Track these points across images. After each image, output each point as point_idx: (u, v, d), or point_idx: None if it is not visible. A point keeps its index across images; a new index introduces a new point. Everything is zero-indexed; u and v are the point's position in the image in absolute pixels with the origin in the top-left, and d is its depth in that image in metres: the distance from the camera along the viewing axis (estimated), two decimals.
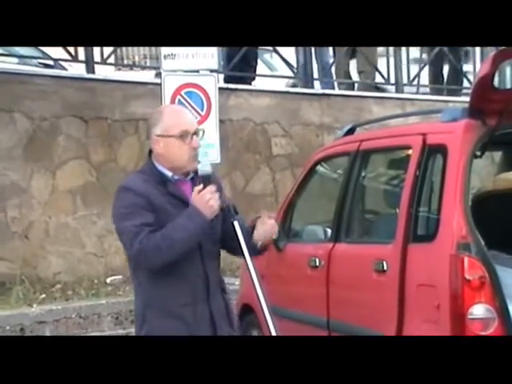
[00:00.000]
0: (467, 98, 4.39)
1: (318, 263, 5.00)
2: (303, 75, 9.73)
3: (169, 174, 3.53)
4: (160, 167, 3.53)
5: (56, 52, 9.20)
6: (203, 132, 3.61)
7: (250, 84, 9.56)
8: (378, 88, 10.53)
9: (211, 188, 3.45)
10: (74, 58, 8.65)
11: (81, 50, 8.59)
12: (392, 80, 10.45)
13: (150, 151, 3.59)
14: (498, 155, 5.72)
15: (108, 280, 7.90)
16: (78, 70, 8.98)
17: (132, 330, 6.73)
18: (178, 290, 3.47)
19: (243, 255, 3.53)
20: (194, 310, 3.48)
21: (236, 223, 3.54)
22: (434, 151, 4.33)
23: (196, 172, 3.55)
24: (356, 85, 10.52)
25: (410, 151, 4.48)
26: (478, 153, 4.22)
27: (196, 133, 3.54)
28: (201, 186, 3.46)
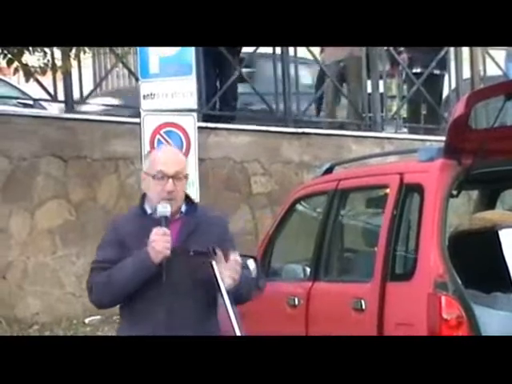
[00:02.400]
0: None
1: (296, 302, 5.01)
2: (283, 114, 9.80)
3: (148, 210, 3.61)
4: (145, 203, 3.64)
5: (35, 92, 9.23)
6: (186, 176, 3.65)
7: (229, 123, 9.60)
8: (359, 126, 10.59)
9: (158, 230, 3.48)
10: (54, 98, 8.67)
11: (60, 90, 8.61)
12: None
13: None
14: (475, 194, 5.78)
15: (86, 320, 7.84)
16: (57, 109, 9.00)
17: None
18: (138, 327, 3.52)
19: (221, 294, 3.53)
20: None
21: (214, 263, 3.55)
22: (410, 190, 4.37)
23: (186, 212, 3.61)
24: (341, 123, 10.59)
25: (388, 190, 4.53)
26: (454, 192, 4.26)
27: (174, 176, 3.56)
28: (159, 228, 3.50)
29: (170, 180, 3.56)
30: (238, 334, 3.47)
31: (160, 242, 3.46)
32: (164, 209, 3.53)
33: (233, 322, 3.49)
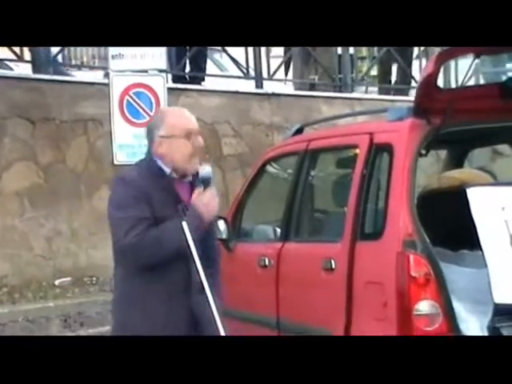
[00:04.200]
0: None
1: (267, 263, 5.02)
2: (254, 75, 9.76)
3: (167, 170, 3.54)
4: (160, 163, 3.54)
5: (1, 52, 9.09)
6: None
7: (199, 84, 9.54)
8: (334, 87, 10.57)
9: (211, 191, 3.49)
10: (20, 58, 8.55)
11: (27, 50, 8.49)
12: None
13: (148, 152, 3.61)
14: (443, 153, 5.80)
15: (56, 282, 7.82)
16: (24, 69, 8.88)
17: (81, 333, 6.69)
18: (154, 287, 3.46)
19: (191, 255, 3.52)
20: (170, 308, 3.46)
21: (184, 223, 3.53)
22: (380, 150, 4.37)
23: (195, 175, 3.56)
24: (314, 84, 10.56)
25: (357, 150, 4.53)
26: (423, 151, 4.28)
27: (198, 133, 3.58)
28: (201, 188, 3.49)
29: (199, 136, 3.57)
30: (208, 292, 3.45)
31: (214, 202, 3.46)
32: (205, 170, 3.52)
33: (204, 286, 3.47)
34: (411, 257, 3.98)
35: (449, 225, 4.39)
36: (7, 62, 9.19)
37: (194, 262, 3.47)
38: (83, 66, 12.63)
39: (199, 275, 3.46)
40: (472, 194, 4.03)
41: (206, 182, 3.51)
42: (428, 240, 4.03)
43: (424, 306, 3.96)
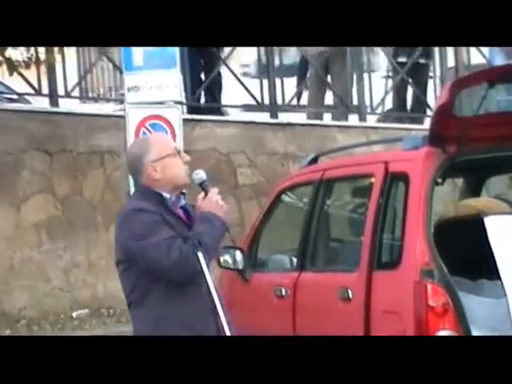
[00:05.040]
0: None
1: (284, 292, 5.01)
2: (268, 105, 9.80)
3: (166, 195, 3.58)
4: (156, 190, 3.57)
5: (20, 86, 9.17)
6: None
7: (214, 115, 9.59)
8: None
9: (215, 190, 3.56)
10: (38, 92, 8.63)
11: (44, 84, 8.57)
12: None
13: (135, 181, 3.70)
14: (460, 181, 5.79)
15: (74, 314, 7.83)
16: (42, 103, 8.96)
17: None
18: (190, 305, 3.50)
19: (208, 286, 3.54)
20: (207, 322, 3.51)
21: (200, 254, 3.55)
22: (396, 179, 4.38)
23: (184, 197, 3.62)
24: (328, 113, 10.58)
25: (373, 179, 4.53)
26: (439, 180, 4.27)
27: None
28: (202, 193, 3.55)
29: (182, 151, 3.64)
30: (224, 322, 3.47)
31: (220, 201, 3.53)
32: (199, 175, 3.59)
33: (220, 316, 3.49)
34: (429, 286, 3.96)
35: (466, 254, 4.38)
36: (25, 96, 9.27)
37: (209, 289, 3.50)
38: (100, 98, 12.72)
39: (214, 301, 3.48)
40: (490, 222, 4.02)
41: (203, 185, 3.57)
42: (445, 269, 4.01)
43: None
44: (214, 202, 3.52)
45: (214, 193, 3.55)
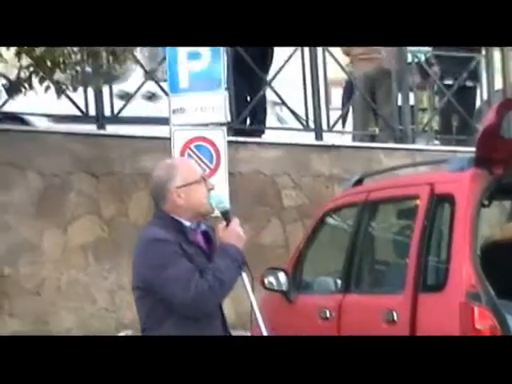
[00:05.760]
0: None
1: (328, 314, 4.99)
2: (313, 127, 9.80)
3: (187, 223, 3.55)
4: (176, 217, 3.54)
5: (67, 109, 9.30)
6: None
7: (259, 137, 9.62)
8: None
9: (236, 220, 3.53)
10: (85, 115, 8.74)
11: (92, 106, 8.68)
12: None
13: (156, 205, 3.59)
14: (508, 204, 5.72)
15: (119, 335, 7.87)
16: (88, 126, 9.08)
17: None
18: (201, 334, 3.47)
19: (252, 307, 3.54)
20: None
21: (244, 274, 3.55)
22: (441, 201, 4.35)
23: (205, 223, 3.61)
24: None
25: (418, 201, 4.50)
26: (486, 202, 4.23)
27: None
28: (224, 223, 3.52)
29: (207, 179, 3.63)
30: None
31: (241, 233, 3.52)
32: (222, 204, 3.56)
33: (263, 333, 3.49)
34: (476, 309, 3.92)
35: None
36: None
37: (254, 311, 3.50)
38: (147, 121, 12.84)
39: (260, 325, 3.48)
40: None
41: (225, 214, 3.53)
42: (492, 292, 3.96)
43: None
44: (235, 233, 3.50)
45: (235, 223, 3.52)
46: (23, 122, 9.07)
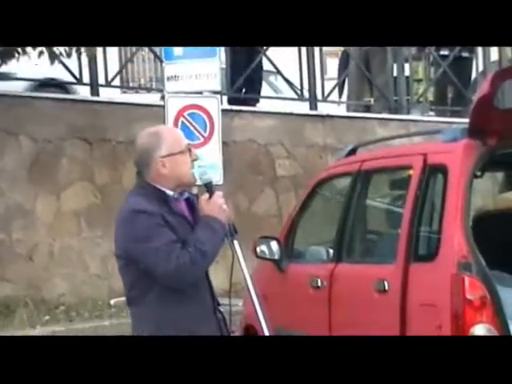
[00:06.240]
0: None
1: (319, 283, 5.00)
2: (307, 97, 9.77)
3: (170, 192, 3.52)
4: (159, 187, 3.51)
5: (61, 74, 9.25)
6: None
7: (254, 106, 9.59)
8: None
9: (219, 193, 3.52)
10: (79, 81, 8.70)
11: (85, 73, 8.64)
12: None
13: (139, 174, 3.54)
14: (500, 175, 5.73)
15: (112, 302, 7.89)
16: (83, 92, 9.04)
17: None
18: (190, 308, 3.47)
19: (244, 276, 3.54)
20: (209, 323, 3.51)
21: (236, 242, 3.55)
22: (434, 171, 4.34)
23: (188, 191, 3.60)
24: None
25: (411, 171, 4.49)
26: (478, 173, 4.22)
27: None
28: (206, 194, 3.51)
29: (192, 149, 3.58)
30: (261, 316, 3.49)
31: (224, 206, 3.49)
32: (206, 175, 3.55)
33: (255, 304, 3.50)
34: (466, 279, 3.92)
35: (505, 247, 4.33)
36: (66, 85, 9.36)
37: (245, 279, 3.51)
38: (140, 88, 12.79)
39: (250, 294, 3.49)
40: None
41: (209, 186, 3.52)
42: (483, 262, 3.97)
43: (480, 330, 3.90)
44: (217, 205, 3.48)
45: (218, 196, 3.50)
46: (66, 90, 9.05)
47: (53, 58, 7.49)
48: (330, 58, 12.20)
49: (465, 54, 10.65)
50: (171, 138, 3.55)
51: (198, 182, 3.58)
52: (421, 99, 10.90)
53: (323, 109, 9.89)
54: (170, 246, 3.38)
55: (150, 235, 3.39)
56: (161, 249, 3.37)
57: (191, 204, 3.60)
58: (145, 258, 3.40)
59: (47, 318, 7.37)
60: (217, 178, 6.85)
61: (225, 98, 9.15)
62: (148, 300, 3.47)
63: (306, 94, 9.89)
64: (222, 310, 3.63)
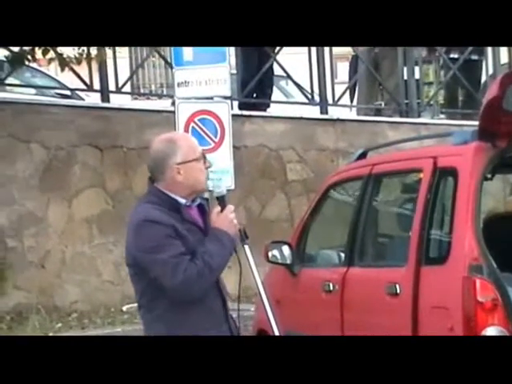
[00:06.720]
0: None
1: (332, 288, 5.00)
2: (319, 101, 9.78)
3: (182, 200, 3.52)
4: (172, 195, 3.51)
5: (72, 82, 9.31)
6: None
7: (264, 111, 9.61)
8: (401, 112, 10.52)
9: (231, 207, 3.53)
10: (90, 88, 8.74)
11: (96, 80, 8.68)
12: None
13: (151, 180, 3.55)
14: (511, 177, 5.72)
15: (124, 308, 7.91)
16: (94, 99, 9.07)
17: None
18: (200, 315, 3.48)
19: (255, 281, 3.55)
20: (219, 331, 3.51)
21: (247, 247, 3.56)
22: (444, 174, 4.33)
23: (201, 197, 3.61)
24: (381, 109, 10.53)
25: (422, 174, 4.49)
26: (489, 175, 4.22)
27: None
28: (218, 207, 3.52)
29: (206, 157, 3.60)
30: (272, 319, 3.49)
31: (234, 221, 3.51)
32: (220, 188, 3.57)
33: (266, 308, 3.51)
34: (477, 281, 3.92)
35: None
36: (78, 92, 9.41)
37: (257, 284, 3.51)
38: (151, 94, 12.85)
39: (262, 298, 3.49)
40: None
41: (221, 200, 3.54)
42: (495, 264, 3.96)
43: (491, 332, 3.88)
44: (228, 219, 3.49)
45: (229, 210, 3.51)
46: (71, 97, 9.10)
47: (63, 64, 7.53)
48: (341, 62, 12.22)
49: (474, 57, 10.64)
50: (186, 145, 3.55)
51: (213, 194, 3.58)
52: (431, 102, 10.89)
53: (334, 113, 9.89)
54: (178, 258, 3.38)
55: (159, 246, 3.39)
56: (168, 261, 3.38)
57: (203, 209, 3.61)
58: (152, 268, 3.41)
59: (59, 325, 7.40)
60: (228, 183, 6.85)
61: (235, 103, 9.17)
62: (159, 306, 3.49)
63: (317, 98, 9.90)
64: (233, 316, 3.64)
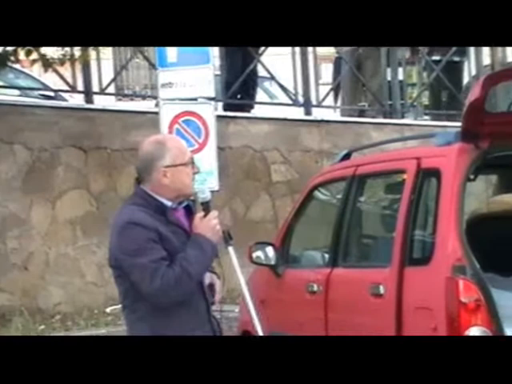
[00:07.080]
0: None
1: (316, 288, 5.01)
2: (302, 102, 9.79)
3: (168, 203, 3.51)
4: (158, 197, 3.50)
5: (56, 83, 9.28)
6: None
7: (249, 112, 9.61)
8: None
9: (215, 213, 3.51)
10: (73, 89, 8.71)
11: (80, 81, 8.66)
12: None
13: (137, 181, 3.55)
14: (494, 178, 5.74)
15: (108, 310, 7.89)
16: (78, 100, 9.05)
17: None
18: (185, 316, 3.48)
19: (239, 282, 3.55)
20: (203, 330, 3.51)
21: (231, 248, 3.56)
22: (428, 175, 4.35)
23: (187, 199, 3.59)
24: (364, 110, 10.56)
25: (405, 175, 4.51)
26: (472, 176, 4.24)
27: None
28: (202, 212, 3.51)
29: (194, 162, 3.58)
30: (256, 320, 3.50)
31: (217, 226, 3.49)
32: (204, 194, 3.55)
33: (250, 309, 3.51)
34: (461, 282, 3.93)
35: (499, 250, 4.34)
36: (62, 93, 9.38)
37: (241, 285, 3.51)
38: (135, 95, 12.82)
39: (245, 299, 3.49)
40: None
41: (206, 205, 3.52)
42: (478, 265, 3.98)
43: (475, 332, 3.90)
44: (211, 225, 3.47)
45: (213, 215, 3.50)
46: (55, 98, 9.06)
47: (46, 65, 7.50)
48: (324, 63, 12.24)
49: (457, 59, 10.70)
50: (176, 148, 3.53)
51: (200, 198, 3.57)
52: (415, 103, 10.93)
53: (318, 114, 9.91)
54: (158, 264, 3.37)
55: (140, 249, 3.38)
56: (147, 266, 3.36)
57: (190, 211, 3.60)
58: (132, 272, 3.41)
59: (43, 327, 7.37)
60: (212, 184, 6.85)
61: (220, 105, 9.17)
62: (142, 308, 3.48)
63: (301, 99, 9.92)
64: (217, 316, 3.64)
